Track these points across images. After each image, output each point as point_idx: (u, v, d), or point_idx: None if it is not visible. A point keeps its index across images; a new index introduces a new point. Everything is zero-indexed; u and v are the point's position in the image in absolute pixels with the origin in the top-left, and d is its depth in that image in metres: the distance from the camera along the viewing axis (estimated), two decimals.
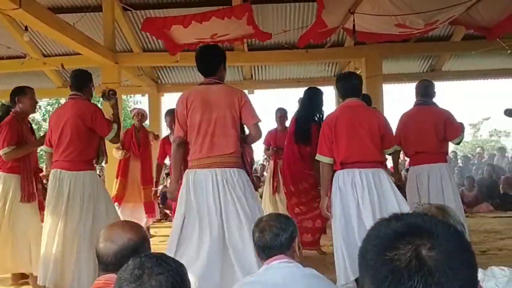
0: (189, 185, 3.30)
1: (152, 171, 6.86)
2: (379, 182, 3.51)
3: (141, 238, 1.73)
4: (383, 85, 8.40)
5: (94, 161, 4.16)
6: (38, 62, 8.68)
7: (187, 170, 3.43)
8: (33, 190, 4.47)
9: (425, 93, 4.70)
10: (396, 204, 3.46)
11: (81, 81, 4.20)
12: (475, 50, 8.33)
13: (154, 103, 11.22)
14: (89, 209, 3.89)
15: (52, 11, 6.53)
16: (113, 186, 6.64)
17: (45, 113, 19.18)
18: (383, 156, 3.83)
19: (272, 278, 1.94)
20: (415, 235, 0.82)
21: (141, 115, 7.01)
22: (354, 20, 5.36)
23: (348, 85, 3.80)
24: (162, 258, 1.25)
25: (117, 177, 6.72)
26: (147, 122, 10.45)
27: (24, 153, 4.44)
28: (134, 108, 7.25)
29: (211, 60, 3.58)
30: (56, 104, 19.46)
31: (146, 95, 11.57)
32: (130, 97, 19.19)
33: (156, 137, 7.23)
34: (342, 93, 3.83)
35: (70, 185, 3.87)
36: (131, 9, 7.83)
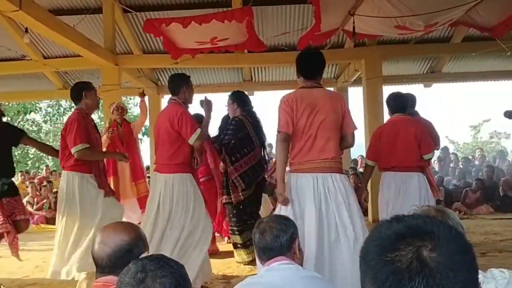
0: (291, 189, 3.31)
1: (142, 165, 6.85)
2: None
3: (134, 238, 1.72)
4: (383, 86, 8.39)
5: (190, 163, 4.18)
6: (38, 63, 8.68)
7: (289, 174, 3.45)
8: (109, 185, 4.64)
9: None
10: None
11: (173, 85, 4.27)
12: (475, 52, 8.33)
13: (154, 105, 11.22)
14: (177, 211, 3.99)
15: (52, 13, 6.53)
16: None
17: (45, 115, 19.16)
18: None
19: (272, 279, 1.94)
20: (416, 236, 0.82)
21: (120, 109, 6.83)
22: (354, 22, 5.37)
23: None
24: (163, 260, 1.25)
25: (110, 176, 6.61)
26: (147, 123, 10.45)
27: (97, 158, 4.39)
28: (113, 103, 6.99)
29: (317, 63, 3.63)
30: (57, 106, 19.43)
31: (146, 97, 11.58)
32: (131, 99, 19.19)
33: (143, 94, 7.32)
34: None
35: (161, 187, 4.02)
36: (131, 10, 7.84)
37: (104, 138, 6.49)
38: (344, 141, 3.52)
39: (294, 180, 3.34)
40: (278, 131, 3.40)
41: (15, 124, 18.14)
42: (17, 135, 4.73)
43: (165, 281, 1.18)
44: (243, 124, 5.10)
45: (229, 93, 5.67)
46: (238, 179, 4.92)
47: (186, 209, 4.00)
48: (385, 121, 5.50)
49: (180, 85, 4.24)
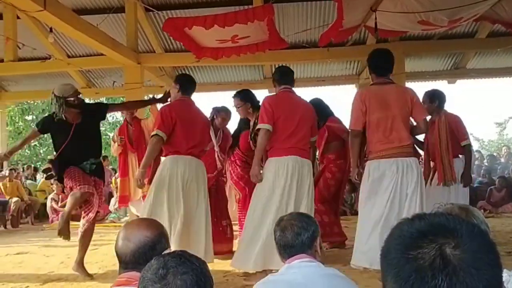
0: (374, 174, 3.94)
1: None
2: None
3: (157, 234, 1.74)
4: (406, 83, 8.30)
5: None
6: (63, 63, 8.82)
7: (369, 161, 4.02)
8: None
9: None
10: None
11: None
12: (501, 48, 8.19)
13: None
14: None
15: (75, 13, 6.63)
16: (118, 187, 6.67)
17: None
18: None
19: (293, 277, 1.94)
20: (438, 234, 0.81)
21: None
22: (376, 18, 5.31)
23: None
24: (185, 257, 1.25)
25: (120, 177, 6.65)
26: None
27: None
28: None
29: (390, 61, 4.10)
30: None
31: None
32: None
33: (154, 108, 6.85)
34: None
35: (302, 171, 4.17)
36: (153, 9, 7.90)
37: (115, 147, 6.54)
38: (417, 128, 4.06)
39: (377, 164, 3.95)
40: (350, 129, 4.10)
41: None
42: (102, 112, 4.89)
43: (186, 277, 1.18)
44: None
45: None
46: None
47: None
48: None
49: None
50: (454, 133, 4.99)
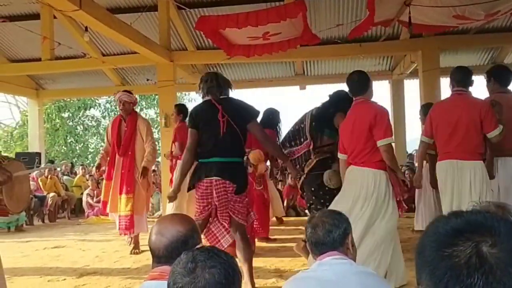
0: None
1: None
2: None
3: (190, 230, 1.76)
4: (441, 79, 8.13)
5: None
6: (97, 61, 9.00)
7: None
8: None
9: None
10: None
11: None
12: None
13: None
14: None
15: (110, 12, 6.75)
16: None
17: (104, 110, 19.85)
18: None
19: (324, 274, 1.92)
20: (475, 232, 0.80)
21: (122, 103, 5.74)
22: (409, 12, 5.22)
23: None
24: (214, 251, 1.28)
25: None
26: None
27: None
28: (115, 93, 6.13)
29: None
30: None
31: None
32: (185, 94, 19.57)
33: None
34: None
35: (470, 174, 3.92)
36: (185, 7, 7.98)
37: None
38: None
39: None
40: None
41: (76, 120, 18.99)
42: (246, 119, 3.88)
43: (215, 271, 1.21)
44: None
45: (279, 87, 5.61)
46: None
47: None
48: None
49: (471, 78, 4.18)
50: None
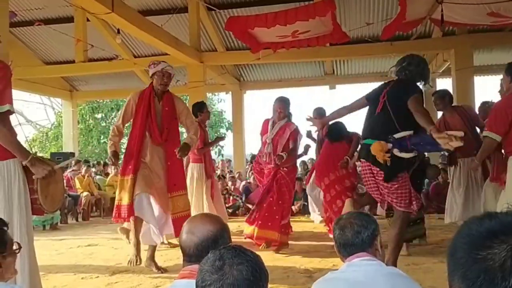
0: None
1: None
2: None
3: (220, 229, 1.79)
4: (475, 77, 7.94)
5: None
6: (129, 62, 9.15)
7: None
8: None
9: None
10: None
11: None
12: None
13: (237, 100, 11.45)
14: None
15: (141, 14, 6.86)
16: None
17: None
18: None
19: (354, 275, 1.91)
20: (510, 234, 0.77)
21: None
22: (442, 10, 5.11)
23: None
24: (240, 250, 1.30)
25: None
26: (229, 118, 10.59)
27: None
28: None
29: None
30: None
31: (230, 92, 11.82)
32: (215, 95, 19.73)
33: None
34: None
35: None
36: (215, 8, 8.03)
37: None
38: None
39: None
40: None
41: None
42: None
43: (242, 268, 1.23)
44: None
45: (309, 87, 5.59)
46: None
47: None
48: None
49: None
50: None
